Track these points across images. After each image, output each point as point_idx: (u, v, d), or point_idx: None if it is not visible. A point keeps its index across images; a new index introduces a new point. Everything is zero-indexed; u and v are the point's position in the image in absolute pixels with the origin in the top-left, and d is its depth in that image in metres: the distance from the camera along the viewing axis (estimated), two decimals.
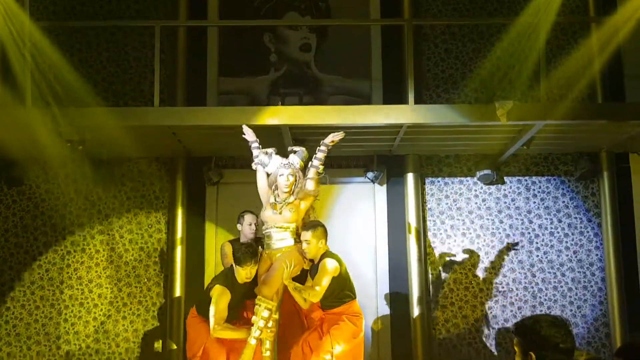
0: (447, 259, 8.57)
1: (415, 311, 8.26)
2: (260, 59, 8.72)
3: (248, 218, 6.99)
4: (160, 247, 8.53)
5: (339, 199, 8.68)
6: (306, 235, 6.05)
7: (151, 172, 8.69)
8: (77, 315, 8.43)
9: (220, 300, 5.98)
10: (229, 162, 8.65)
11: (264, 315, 5.93)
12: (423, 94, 8.69)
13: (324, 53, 8.80)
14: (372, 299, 8.49)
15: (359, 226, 8.65)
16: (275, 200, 6.30)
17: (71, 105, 7.37)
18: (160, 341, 8.32)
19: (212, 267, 8.37)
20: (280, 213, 6.21)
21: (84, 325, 8.41)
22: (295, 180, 6.28)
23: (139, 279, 8.48)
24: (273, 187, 6.34)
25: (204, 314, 6.24)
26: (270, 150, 6.45)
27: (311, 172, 6.34)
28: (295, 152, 6.42)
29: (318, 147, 6.39)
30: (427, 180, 8.73)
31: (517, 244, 8.53)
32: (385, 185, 8.72)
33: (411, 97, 8.20)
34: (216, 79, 8.60)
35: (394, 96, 8.53)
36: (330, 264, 5.93)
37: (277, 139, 7.74)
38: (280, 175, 6.27)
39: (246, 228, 6.91)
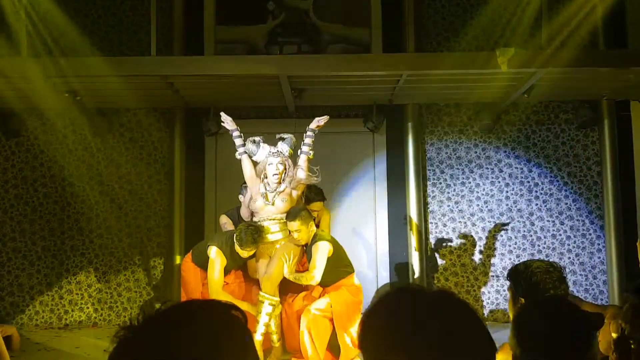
0: (447, 206, 8.60)
1: (415, 262, 8.31)
2: (258, 6, 8.58)
3: None
4: (160, 199, 8.57)
5: (338, 149, 8.65)
6: (293, 225, 5.88)
7: (149, 123, 8.65)
8: (79, 265, 8.50)
9: (214, 265, 5.97)
10: (227, 112, 8.57)
11: (268, 311, 5.88)
12: (423, 41, 8.59)
13: (323, 0, 8.65)
14: (371, 245, 8.55)
15: (358, 176, 8.65)
16: (266, 189, 6.10)
17: (67, 56, 7.30)
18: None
19: (211, 215, 8.38)
20: (273, 204, 6.04)
21: (85, 276, 8.49)
22: (285, 169, 6.09)
23: (139, 229, 8.52)
24: (262, 175, 6.13)
25: (198, 262, 6.33)
26: (257, 138, 6.20)
27: (302, 160, 6.11)
28: (283, 139, 6.19)
29: (305, 134, 6.21)
30: (427, 130, 8.70)
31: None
32: (384, 135, 8.69)
33: (411, 46, 8.13)
34: (213, 27, 8.47)
35: (393, 44, 8.42)
36: (323, 247, 5.90)
37: (276, 89, 7.69)
38: (269, 165, 6.07)
39: (248, 200, 6.69)
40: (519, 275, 2.85)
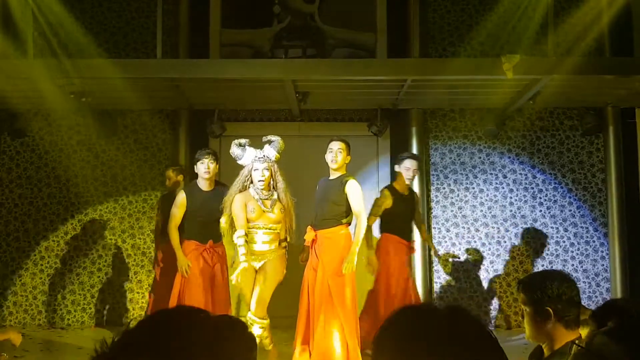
0: (450, 211, 8.59)
1: (417, 266, 8.30)
2: (264, 10, 8.61)
3: None
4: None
5: None
6: (337, 144, 5.90)
7: (154, 125, 8.67)
8: (82, 266, 8.52)
9: (176, 202, 6.32)
10: (232, 115, 8.62)
11: (258, 333, 5.73)
12: (428, 46, 8.59)
13: (328, 4, 8.66)
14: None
15: (362, 180, 8.62)
16: (259, 196, 5.79)
17: (73, 57, 7.32)
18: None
19: None
20: (273, 211, 5.79)
21: (88, 276, 8.50)
22: (272, 175, 5.82)
23: (142, 230, 8.53)
24: (248, 181, 5.83)
25: (187, 236, 6.44)
26: (243, 141, 5.87)
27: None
28: (270, 142, 5.84)
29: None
30: (431, 135, 8.69)
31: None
32: (388, 139, 8.69)
33: (416, 51, 8.13)
34: (219, 30, 8.49)
35: (398, 49, 8.44)
36: (355, 186, 5.86)
37: (280, 92, 7.71)
38: (254, 170, 5.76)
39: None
40: (540, 286, 2.77)
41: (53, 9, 7.48)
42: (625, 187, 8.37)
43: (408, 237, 6.93)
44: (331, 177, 6.02)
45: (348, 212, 5.94)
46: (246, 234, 5.70)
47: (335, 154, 5.91)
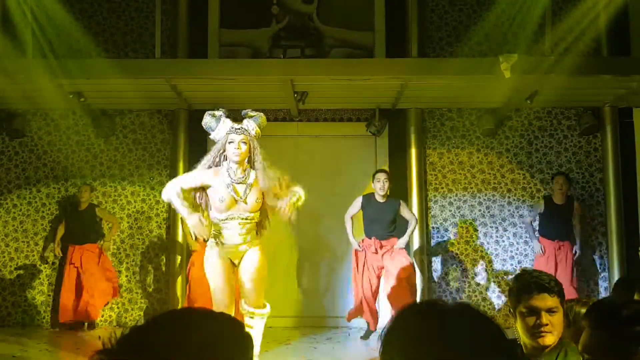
0: (449, 211, 8.60)
1: (415, 266, 8.30)
2: (262, 10, 8.63)
3: None
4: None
5: (340, 153, 8.67)
6: (384, 175, 7.38)
7: (153, 124, 8.68)
8: None
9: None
10: (230, 115, 8.59)
11: (263, 325, 5.30)
12: (426, 46, 8.60)
13: (327, 5, 8.69)
14: None
15: (360, 180, 8.64)
16: (231, 178, 4.98)
17: (72, 57, 7.33)
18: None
19: None
20: (245, 201, 5.01)
21: None
22: (250, 151, 5.01)
23: (140, 230, 8.53)
24: (221, 157, 5.05)
25: None
26: (219, 112, 5.08)
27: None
28: (251, 116, 5.13)
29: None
30: (429, 134, 8.70)
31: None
32: (387, 139, 8.69)
33: (414, 50, 8.15)
34: (218, 30, 8.51)
35: (397, 49, 8.46)
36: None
37: (279, 92, 7.72)
38: (229, 143, 4.95)
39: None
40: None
41: (52, 9, 7.49)
42: (623, 187, 8.39)
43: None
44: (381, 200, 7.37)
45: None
46: (182, 192, 4.94)
47: (383, 184, 7.29)
